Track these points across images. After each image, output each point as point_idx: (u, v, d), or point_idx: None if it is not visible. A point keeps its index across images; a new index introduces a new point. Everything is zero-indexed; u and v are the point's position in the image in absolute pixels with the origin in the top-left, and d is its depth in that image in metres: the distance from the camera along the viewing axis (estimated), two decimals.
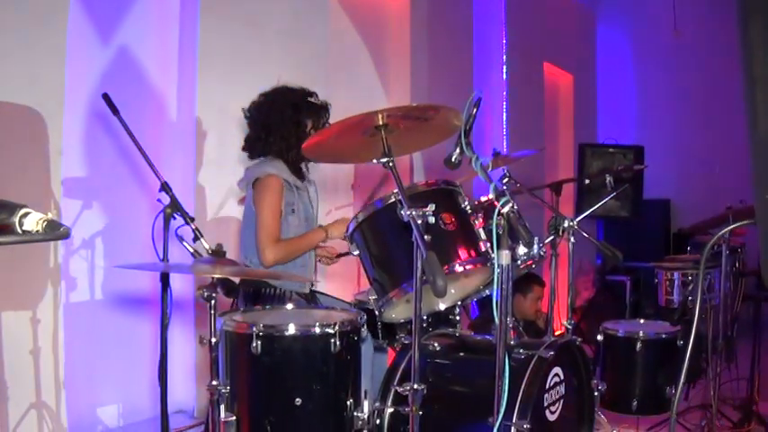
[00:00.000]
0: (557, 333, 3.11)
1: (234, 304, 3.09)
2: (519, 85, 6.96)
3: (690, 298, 4.31)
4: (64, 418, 3.43)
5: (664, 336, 3.51)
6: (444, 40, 5.98)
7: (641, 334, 3.48)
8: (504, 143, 6.69)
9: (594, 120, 9.07)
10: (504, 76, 6.80)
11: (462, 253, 2.41)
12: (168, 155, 4.05)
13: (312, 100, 3.18)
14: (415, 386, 2.10)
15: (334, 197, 5.00)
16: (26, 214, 1.12)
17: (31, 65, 3.27)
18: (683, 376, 1.83)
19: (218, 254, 2.30)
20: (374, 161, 2.22)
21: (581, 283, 7.96)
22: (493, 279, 2.15)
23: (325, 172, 4.73)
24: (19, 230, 1.11)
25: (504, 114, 6.78)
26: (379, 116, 2.18)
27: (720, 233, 1.59)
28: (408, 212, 1.98)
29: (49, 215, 1.10)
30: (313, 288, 3.26)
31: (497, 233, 2.09)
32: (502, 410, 2.12)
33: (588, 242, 3.45)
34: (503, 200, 2.12)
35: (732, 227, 1.64)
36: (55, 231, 1.09)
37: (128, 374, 3.95)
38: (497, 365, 2.12)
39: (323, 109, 3.20)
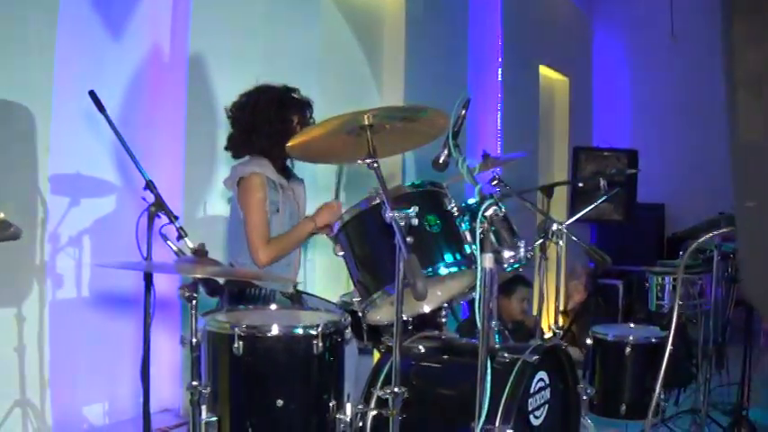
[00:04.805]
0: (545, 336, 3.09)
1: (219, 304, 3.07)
2: (514, 87, 6.94)
3: (680, 303, 4.29)
4: (49, 416, 3.41)
5: (653, 340, 3.50)
6: (439, 41, 5.96)
7: (631, 338, 3.47)
8: (499, 146, 6.67)
9: (590, 123, 9.05)
10: (500, 79, 6.78)
11: (447, 255, 2.39)
12: (157, 153, 4.02)
13: (295, 95, 3.15)
14: (396, 389, 2.09)
15: (325, 196, 4.96)
16: None
17: (19, 62, 3.25)
18: (660, 379, 1.81)
19: (199, 253, 2.28)
20: (359, 161, 2.20)
21: (573, 286, 7.94)
22: None
23: (316, 171, 4.71)
24: None
25: (499, 117, 6.76)
26: (365, 116, 2.17)
27: (702, 238, 1.57)
28: (391, 214, 1.97)
29: (1, 215, 1.09)
30: (298, 288, 3.24)
31: (481, 236, 2.07)
32: (483, 414, 2.10)
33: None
34: (487, 202, 2.10)
35: (715, 233, 1.63)
36: (4, 232, 1.07)
37: (113, 373, 3.92)
38: (479, 369, 2.10)
39: (306, 104, 3.17)
